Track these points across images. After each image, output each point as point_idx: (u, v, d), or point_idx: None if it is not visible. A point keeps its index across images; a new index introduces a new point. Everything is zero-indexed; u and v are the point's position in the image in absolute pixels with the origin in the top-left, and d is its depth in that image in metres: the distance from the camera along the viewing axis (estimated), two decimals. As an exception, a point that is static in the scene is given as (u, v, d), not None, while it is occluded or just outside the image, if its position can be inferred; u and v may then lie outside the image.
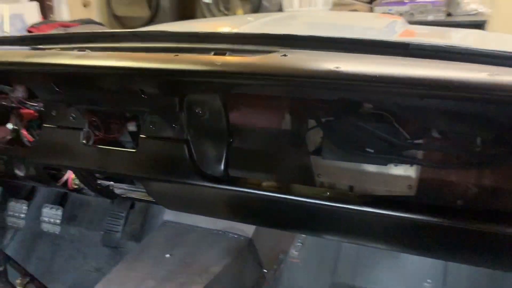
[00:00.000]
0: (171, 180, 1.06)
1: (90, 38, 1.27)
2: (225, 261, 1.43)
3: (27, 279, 1.00)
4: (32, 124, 1.33)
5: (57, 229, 1.88)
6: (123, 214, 1.81)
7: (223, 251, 1.46)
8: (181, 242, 1.50)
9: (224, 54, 1.07)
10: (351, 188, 1.71)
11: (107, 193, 1.24)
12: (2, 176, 1.31)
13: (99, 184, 1.21)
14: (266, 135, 1.35)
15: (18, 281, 0.98)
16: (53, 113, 1.17)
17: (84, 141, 1.13)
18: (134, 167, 1.09)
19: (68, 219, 1.89)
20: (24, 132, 1.32)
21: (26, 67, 1.06)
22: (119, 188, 1.24)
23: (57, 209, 1.88)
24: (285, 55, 0.89)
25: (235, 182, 1.01)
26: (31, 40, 1.34)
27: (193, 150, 1.02)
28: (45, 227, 1.89)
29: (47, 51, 1.13)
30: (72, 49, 1.24)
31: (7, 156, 1.26)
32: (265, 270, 1.59)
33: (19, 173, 1.26)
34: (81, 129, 1.13)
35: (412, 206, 0.95)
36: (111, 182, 1.22)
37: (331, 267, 1.59)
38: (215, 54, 1.08)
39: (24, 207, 1.90)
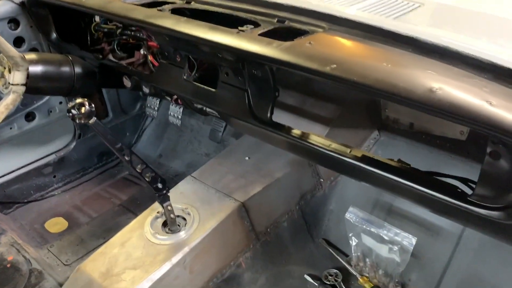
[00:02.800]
0: (234, 116, 1.49)
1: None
2: (287, 169, 1.86)
3: (144, 166, 1.55)
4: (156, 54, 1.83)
5: (178, 122, 2.51)
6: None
7: (287, 161, 1.88)
8: (259, 150, 1.95)
9: (283, 22, 1.40)
10: (411, 125, 1.97)
11: (202, 111, 1.73)
12: (134, 89, 1.87)
13: (195, 106, 1.70)
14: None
15: (138, 166, 1.54)
16: (166, 53, 1.64)
17: (184, 77, 1.59)
18: (214, 102, 1.53)
19: (187, 115, 2.48)
20: (150, 57, 1.83)
21: (142, 24, 1.52)
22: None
23: (180, 107, 2.47)
24: (310, 43, 1.19)
25: (275, 127, 1.39)
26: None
27: (251, 98, 1.42)
28: (170, 119, 2.53)
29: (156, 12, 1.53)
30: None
31: (138, 77, 1.80)
32: (322, 180, 1.99)
33: (146, 90, 1.80)
34: (182, 67, 1.59)
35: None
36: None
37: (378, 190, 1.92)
38: (277, 21, 1.41)
39: (158, 102, 2.54)
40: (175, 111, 2.49)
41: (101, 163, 2.59)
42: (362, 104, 1.95)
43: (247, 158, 1.95)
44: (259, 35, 1.29)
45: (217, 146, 2.42)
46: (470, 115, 0.91)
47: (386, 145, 2.02)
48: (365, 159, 1.24)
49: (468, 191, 1.14)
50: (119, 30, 1.86)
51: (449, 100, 0.94)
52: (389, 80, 1.02)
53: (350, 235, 1.82)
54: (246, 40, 1.25)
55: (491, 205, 1.03)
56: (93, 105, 1.36)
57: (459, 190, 1.13)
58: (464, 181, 1.24)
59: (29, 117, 2.21)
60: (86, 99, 1.35)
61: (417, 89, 0.98)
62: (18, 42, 2.04)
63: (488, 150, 1.00)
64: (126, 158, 1.51)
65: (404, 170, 1.23)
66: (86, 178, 2.55)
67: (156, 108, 2.55)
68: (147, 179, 1.56)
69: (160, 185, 1.58)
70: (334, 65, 1.08)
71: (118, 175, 2.57)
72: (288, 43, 1.20)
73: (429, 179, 1.21)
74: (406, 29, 1.21)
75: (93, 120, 1.38)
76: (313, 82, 1.87)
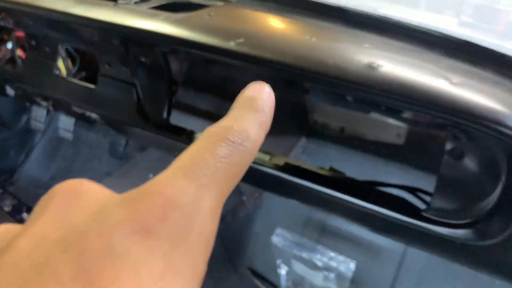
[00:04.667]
0: (121, 119, 1.15)
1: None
2: (200, 187, 1.54)
3: (1, 191, 1.16)
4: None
5: (70, 136, 2.09)
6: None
7: (201, 178, 1.56)
8: (166, 165, 1.62)
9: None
10: (342, 129, 1.73)
11: (85, 118, 1.36)
12: (-1, 93, 1.46)
13: (75, 111, 1.33)
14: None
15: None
16: (33, 43, 1.26)
17: (56, 73, 1.23)
18: (93, 102, 1.17)
19: (82, 127, 2.08)
20: (19, 51, 1.44)
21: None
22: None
23: (72, 118, 2.06)
24: (209, 15, 0.89)
25: (174, 131, 1.06)
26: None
27: (140, 94, 1.08)
28: (61, 133, 2.11)
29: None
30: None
31: (1, 77, 1.40)
32: (244, 197, 1.69)
33: (10, 92, 1.40)
34: (53, 60, 1.22)
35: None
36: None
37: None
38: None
39: (45, 113, 2.11)
40: (66, 123, 2.08)
41: None
42: (287, 107, 1.68)
43: (151, 175, 1.60)
44: (145, 8, 0.97)
45: (121, 163, 2.03)
46: (425, 96, 0.64)
47: (315, 153, 1.76)
48: (288, 168, 0.95)
49: (419, 205, 0.89)
50: (-22, 19, 1.45)
51: (396, 78, 0.67)
52: (314, 56, 0.74)
53: (278, 262, 1.52)
54: (123, 13, 0.92)
55: (453, 222, 0.77)
56: None
57: (408, 204, 0.87)
58: (412, 191, 0.98)
59: None
60: None
61: (351, 65, 0.70)
62: None
63: (448, 147, 0.74)
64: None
65: (338, 180, 0.96)
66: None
67: (42, 121, 2.12)
68: (6, 209, 1.17)
69: (26, 216, 1.20)
70: (241, 39, 0.78)
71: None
72: (180, 15, 0.89)
73: (369, 190, 0.94)
74: (334, 1, 0.94)
75: None
76: (231, 83, 1.58)
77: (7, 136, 2.12)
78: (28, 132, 2.19)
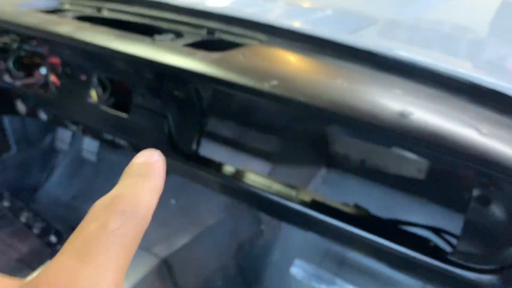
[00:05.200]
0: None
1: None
2: (221, 214, 1.57)
3: (31, 214, 1.20)
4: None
5: (93, 158, 2.14)
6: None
7: (221, 205, 1.59)
8: (188, 190, 1.65)
9: (213, 33, 1.13)
10: (362, 161, 1.75)
11: (114, 144, 1.40)
12: (30, 115, 1.51)
13: (105, 137, 1.37)
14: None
15: (24, 214, 1.19)
16: (69, 71, 1.31)
17: (89, 100, 1.27)
18: (125, 131, 1.22)
19: (107, 149, 2.13)
20: (53, 77, 1.49)
21: (32, 32, 1.20)
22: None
23: (96, 140, 2.11)
24: (243, 55, 0.93)
25: (202, 162, 1.10)
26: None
27: (171, 126, 1.12)
28: (85, 154, 2.16)
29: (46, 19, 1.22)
30: (92, 7, 1.37)
31: (34, 100, 1.45)
32: (263, 227, 1.71)
33: (43, 117, 1.45)
34: (87, 88, 1.27)
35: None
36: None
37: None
38: (207, 33, 1.15)
39: (69, 134, 2.17)
40: (90, 145, 2.13)
41: None
42: (308, 137, 1.71)
43: (173, 200, 1.63)
44: (181, 46, 1.02)
45: (142, 186, 2.06)
46: (456, 146, 0.67)
47: (335, 184, 1.78)
48: (314, 204, 0.97)
49: (439, 243, 0.90)
50: (15, 45, 1.51)
51: (427, 127, 0.70)
52: (347, 101, 0.76)
53: (296, 293, 1.53)
54: (162, 50, 0.97)
55: (479, 267, 0.78)
56: None
57: (433, 245, 0.88)
58: (436, 231, 0.99)
59: None
60: None
61: (383, 112, 0.73)
62: None
63: (476, 193, 0.76)
64: (5, 204, 1.16)
65: (363, 218, 0.97)
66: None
67: (68, 142, 2.17)
68: (36, 231, 1.20)
69: (54, 239, 1.23)
70: (275, 82, 0.82)
71: (18, 220, 2.13)
72: (216, 55, 0.93)
73: (393, 230, 0.95)
74: (363, 43, 0.97)
75: None
76: (253, 110, 1.62)
77: (31, 155, 2.18)
78: (52, 152, 2.24)
